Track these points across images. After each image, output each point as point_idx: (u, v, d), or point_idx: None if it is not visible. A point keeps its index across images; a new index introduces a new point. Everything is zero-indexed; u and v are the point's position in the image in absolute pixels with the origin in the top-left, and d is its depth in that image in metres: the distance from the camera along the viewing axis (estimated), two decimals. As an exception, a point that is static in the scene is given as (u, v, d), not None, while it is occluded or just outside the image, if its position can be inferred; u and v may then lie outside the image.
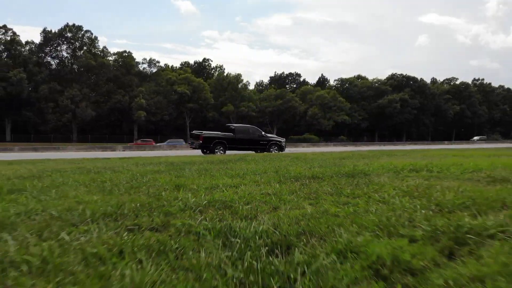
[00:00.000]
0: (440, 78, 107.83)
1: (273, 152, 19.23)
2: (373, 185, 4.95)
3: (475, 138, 78.07)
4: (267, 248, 2.51)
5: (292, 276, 2.10)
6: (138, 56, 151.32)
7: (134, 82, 63.65)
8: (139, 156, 14.95)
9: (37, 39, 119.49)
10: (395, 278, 2.08)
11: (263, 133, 21.54)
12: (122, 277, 2.04)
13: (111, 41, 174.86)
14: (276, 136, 22.64)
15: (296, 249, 2.49)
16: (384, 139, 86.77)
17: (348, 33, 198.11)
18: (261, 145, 20.12)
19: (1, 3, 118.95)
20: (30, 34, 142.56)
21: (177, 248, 2.50)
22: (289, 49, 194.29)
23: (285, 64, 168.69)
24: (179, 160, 11.16)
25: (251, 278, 2.07)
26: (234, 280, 2.04)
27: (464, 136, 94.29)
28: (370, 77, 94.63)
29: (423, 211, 3.35)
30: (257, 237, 2.68)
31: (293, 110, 77.94)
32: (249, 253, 2.39)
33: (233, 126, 20.89)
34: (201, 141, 18.72)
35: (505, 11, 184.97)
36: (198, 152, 19.40)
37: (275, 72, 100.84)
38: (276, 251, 2.48)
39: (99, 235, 2.76)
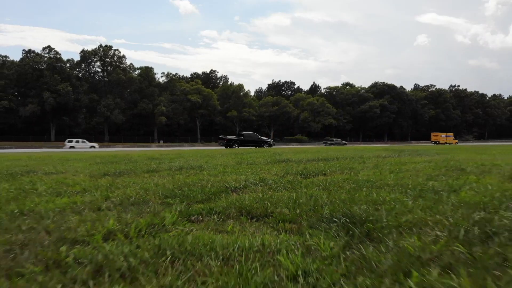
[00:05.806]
0: (440, 78, 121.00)
1: (265, 147, 33.02)
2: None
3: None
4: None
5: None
6: (137, 56, 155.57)
7: (155, 93, 77.44)
8: (217, 149, 28.86)
9: (38, 39, 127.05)
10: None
11: (259, 136, 35.57)
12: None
13: (110, 40, 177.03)
14: (267, 138, 36.78)
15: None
16: (367, 139, 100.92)
17: (347, 33, 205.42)
18: (258, 144, 34.08)
19: (1, 3, 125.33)
20: (29, 34, 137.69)
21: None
22: (289, 49, 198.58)
23: (284, 64, 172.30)
24: (225, 148, 24.98)
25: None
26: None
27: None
28: (369, 77, 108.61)
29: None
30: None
31: (288, 115, 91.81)
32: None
33: (243, 132, 35.02)
34: (226, 141, 32.63)
35: (504, 11, 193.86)
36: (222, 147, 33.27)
37: (273, 80, 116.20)
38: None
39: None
